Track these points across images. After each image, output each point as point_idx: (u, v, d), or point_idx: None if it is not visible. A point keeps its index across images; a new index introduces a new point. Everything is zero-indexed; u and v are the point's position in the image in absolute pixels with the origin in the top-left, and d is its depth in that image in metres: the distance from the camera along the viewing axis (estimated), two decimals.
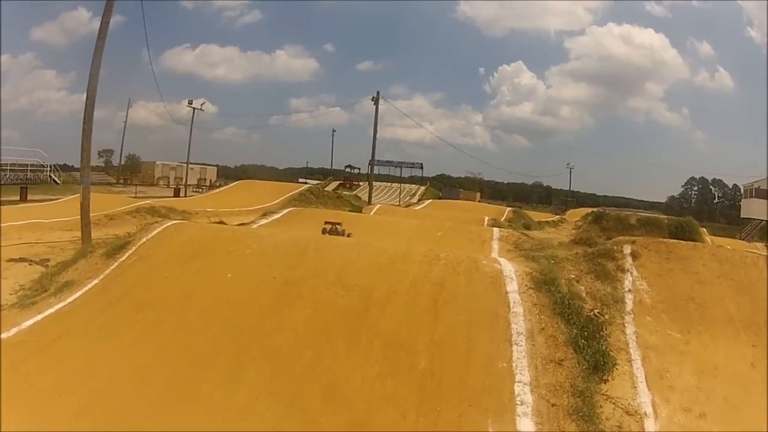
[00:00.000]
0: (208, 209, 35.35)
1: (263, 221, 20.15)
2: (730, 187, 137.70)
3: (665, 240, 13.63)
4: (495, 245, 17.63)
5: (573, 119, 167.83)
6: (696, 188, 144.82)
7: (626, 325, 10.47)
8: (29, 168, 58.40)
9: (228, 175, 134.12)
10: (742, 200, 72.06)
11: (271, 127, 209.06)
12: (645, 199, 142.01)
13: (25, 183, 52.70)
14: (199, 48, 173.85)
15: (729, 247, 14.52)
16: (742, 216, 73.99)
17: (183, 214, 32.38)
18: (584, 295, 10.99)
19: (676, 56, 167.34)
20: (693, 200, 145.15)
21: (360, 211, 32.35)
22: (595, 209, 63.75)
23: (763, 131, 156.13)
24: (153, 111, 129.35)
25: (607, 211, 25.52)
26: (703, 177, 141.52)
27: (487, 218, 32.61)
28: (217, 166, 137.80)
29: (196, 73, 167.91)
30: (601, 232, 23.29)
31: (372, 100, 56.73)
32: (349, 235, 17.50)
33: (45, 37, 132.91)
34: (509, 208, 46.53)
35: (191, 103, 61.40)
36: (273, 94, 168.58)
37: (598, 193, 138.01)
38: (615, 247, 12.61)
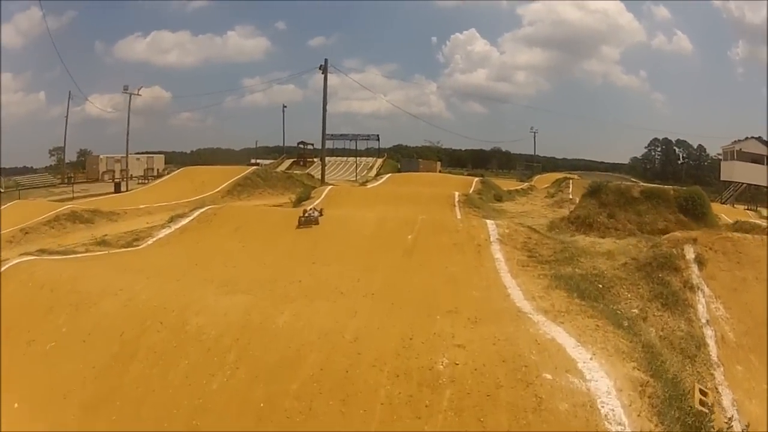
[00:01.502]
0: (141, 205, 31.66)
1: (163, 233, 14.93)
2: (695, 147, 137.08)
3: (728, 235, 10.88)
4: (499, 254, 11.84)
5: (528, 84, 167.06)
6: (660, 149, 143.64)
7: (720, 390, 7.49)
8: None
9: (185, 161, 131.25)
10: (722, 163, 69.62)
11: (225, 109, 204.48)
12: (606, 161, 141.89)
13: None
14: (150, 35, 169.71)
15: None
16: (722, 179, 71.67)
17: (109, 216, 28.78)
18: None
19: (632, 20, 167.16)
20: (657, 161, 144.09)
21: (307, 197, 28.36)
22: (569, 175, 61.80)
23: (723, 93, 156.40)
24: (108, 103, 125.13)
25: (607, 183, 21.97)
26: (666, 138, 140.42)
27: (457, 194, 28.45)
28: (172, 152, 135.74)
29: (149, 61, 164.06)
30: (600, 207, 19.93)
31: (320, 68, 52.48)
32: (320, 214, 14.75)
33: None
34: (476, 179, 43.04)
35: (126, 89, 57.01)
36: (226, 76, 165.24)
37: (557, 156, 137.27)
38: (675, 251, 10.18)
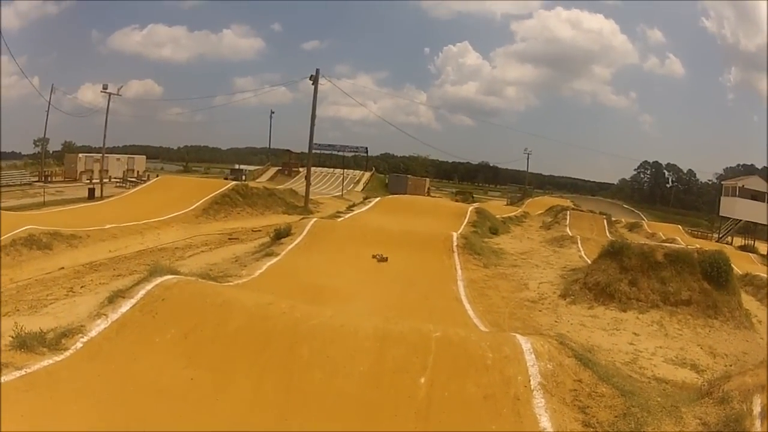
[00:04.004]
0: (107, 225, 28.59)
1: (96, 329, 11.27)
2: (685, 171, 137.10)
3: None
4: (546, 421, 8.29)
5: (518, 99, 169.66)
6: (649, 172, 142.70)
7: None
8: None
9: (171, 157, 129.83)
10: (723, 198, 68.82)
11: (216, 107, 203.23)
12: (593, 179, 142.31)
13: None
14: (147, 28, 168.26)
15: None
16: (721, 214, 70.68)
17: (69, 240, 25.69)
18: None
19: (626, 42, 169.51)
20: (645, 184, 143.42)
21: (287, 233, 25.19)
22: (562, 202, 60.67)
23: (713, 118, 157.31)
24: (100, 93, 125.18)
25: (629, 244, 19.66)
26: (656, 161, 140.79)
27: (455, 236, 25.44)
28: (159, 148, 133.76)
29: (143, 54, 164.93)
30: (621, 272, 17.64)
31: (310, 79, 49.56)
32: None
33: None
34: (470, 208, 40.32)
35: (106, 89, 53.65)
36: (219, 74, 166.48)
37: (544, 173, 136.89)
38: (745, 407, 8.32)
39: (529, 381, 8.81)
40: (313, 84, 49.34)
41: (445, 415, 8.39)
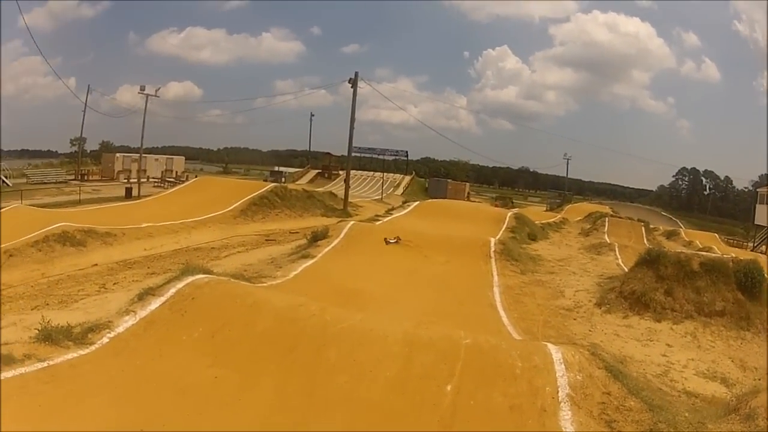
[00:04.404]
0: (144, 224, 28.78)
1: (124, 325, 11.20)
2: (722, 179, 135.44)
3: None
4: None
5: (558, 104, 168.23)
6: (687, 179, 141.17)
7: None
8: None
9: (211, 158, 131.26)
10: (757, 206, 67.32)
11: (255, 109, 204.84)
12: (633, 186, 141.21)
13: None
14: (185, 31, 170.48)
15: None
16: (755, 222, 69.47)
17: (104, 237, 25.92)
18: None
19: (662, 45, 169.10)
20: (683, 191, 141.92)
21: (324, 235, 24.99)
22: (601, 208, 60.14)
23: (748, 124, 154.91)
24: (137, 95, 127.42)
25: (666, 252, 19.28)
26: (694, 168, 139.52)
27: (493, 242, 25.04)
28: (198, 149, 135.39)
29: (181, 56, 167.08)
30: (657, 281, 17.33)
31: (349, 82, 49.61)
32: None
33: (33, 23, 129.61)
34: (509, 214, 39.81)
35: (143, 90, 54.32)
36: (258, 77, 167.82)
37: (584, 179, 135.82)
38: None
39: (558, 392, 8.60)
40: (352, 87, 49.34)
41: (468, 425, 8.22)
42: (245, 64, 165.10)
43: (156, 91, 56.03)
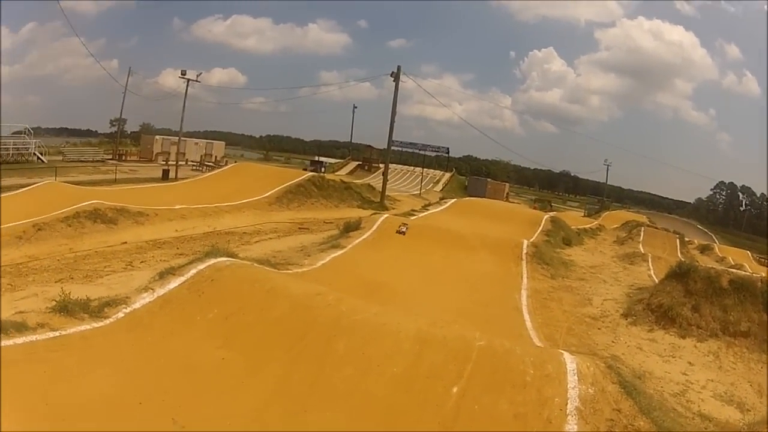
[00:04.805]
0: (177, 206, 29.13)
1: (141, 302, 10.96)
2: (758, 195, 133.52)
3: None
4: None
5: (601, 109, 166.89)
6: (724, 193, 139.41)
7: None
8: (12, 146, 52.88)
9: (253, 145, 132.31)
10: None
11: (299, 98, 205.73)
12: (671, 197, 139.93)
13: (7, 162, 48.66)
14: (230, 19, 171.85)
15: None
16: None
17: (136, 217, 26.21)
18: None
19: (705, 56, 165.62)
20: (720, 205, 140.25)
21: (357, 227, 25.15)
22: (638, 218, 59.67)
23: None
24: (182, 79, 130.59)
25: (696, 266, 19.02)
26: (732, 182, 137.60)
27: (525, 244, 24.98)
28: (241, 135, 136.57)
29: (226, 44, 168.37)
30: (685, 296, 17.11)
31: (392, 75, 49.80)
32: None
33: (77, 6, 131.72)
34: (546, 217, 39.54)
35: (184, 74, 54.77)
36: (303, 67, 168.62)
37: (623, 186, 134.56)
38: None
39: (566, 404, 8.39)
40: (394, 81, 49.25)
41: (468, 430, 8.14)
42: (290, 53, 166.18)
43: (198, 76, 56.33)
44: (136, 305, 11.13)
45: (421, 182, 71.74)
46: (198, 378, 8.97)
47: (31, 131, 56.73)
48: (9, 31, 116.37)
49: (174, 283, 12.02)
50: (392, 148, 55.36)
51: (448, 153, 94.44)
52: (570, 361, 9.35)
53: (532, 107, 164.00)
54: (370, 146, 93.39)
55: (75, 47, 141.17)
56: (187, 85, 55.16)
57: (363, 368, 9.29)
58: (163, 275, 12.44)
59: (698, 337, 16.03)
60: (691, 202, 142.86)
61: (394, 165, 71.05)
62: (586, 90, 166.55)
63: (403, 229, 19.45)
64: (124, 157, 65.00)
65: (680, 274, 17.98)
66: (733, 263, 45.91)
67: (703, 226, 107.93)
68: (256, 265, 14.21)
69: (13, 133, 56.88)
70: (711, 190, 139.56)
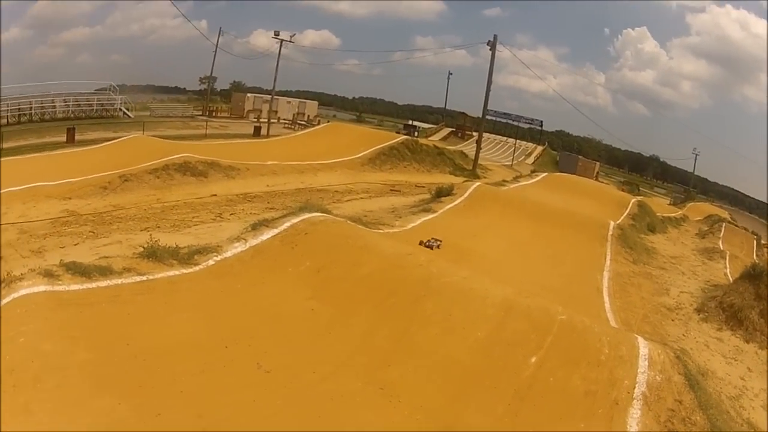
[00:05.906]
0: (268, 162, 29.72)
1: (232, 251, 11.17)
2: None
3: None
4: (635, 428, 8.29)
5: (693, 96, 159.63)
6: None
7: None
8: (96, 101, 54.27)
9: (345, 106, 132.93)
10: None
11: (393, 62, 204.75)
12: (757, 198, 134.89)
13: (91, 117, 50.56)
14: None
15: None
16: None
17: (227, 171, 26.86)
18: None
19: None
20: None
21: (449, 192, 25.40)
22: (721, 213, 57.79)
23: None
24: (275, 40, 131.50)
25: None
26: None
27: (612, 225, 24.96)
28: (334, 96, 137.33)
29: (318, 6, 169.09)
30: (755, 299, 16.70)
31: (488, 44, 49.50)
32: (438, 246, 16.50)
33: None
34: (633, 200, 38.68)
35: (277, 35, 55.40)
36: (397, 31, 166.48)
37: (710, 179, 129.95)
38: None
39: (634, 388, 8.55)
40: (491, 50, 48.80)
41: (541, 400, 8.21)
42: (385, 17, 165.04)
43: (291, 36, 56.97)
44: (228, 254, 11.39)
45: (514, 153, 70.96)
46: (285, 326, 9.18)
47: (117, 88, 57.93)
48: None
49: (267, 234, 12.29)
50: (486, 117, 55.10)
51: (541, 126, 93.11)
52: (643, 346, 9.43)
53: (626, 86, 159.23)
54: (464, 113, 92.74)
55: (160, 8, 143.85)
56: (281, 46, 55.80)
57: (447, 329, 9.44)
58: (256, 227, 12.70)
59: (761, 343, 15.73)
60: None
61: (487, 134, 70.33)
62: (678, 74, 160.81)
63: (434, 244, 17.91)
64: (214, 114, 65.86)
65: (753, 276, 17.51)
66: None
67: None
68: (349, 222, 14.40)
69: (96, 90, 57.97)
70: None
